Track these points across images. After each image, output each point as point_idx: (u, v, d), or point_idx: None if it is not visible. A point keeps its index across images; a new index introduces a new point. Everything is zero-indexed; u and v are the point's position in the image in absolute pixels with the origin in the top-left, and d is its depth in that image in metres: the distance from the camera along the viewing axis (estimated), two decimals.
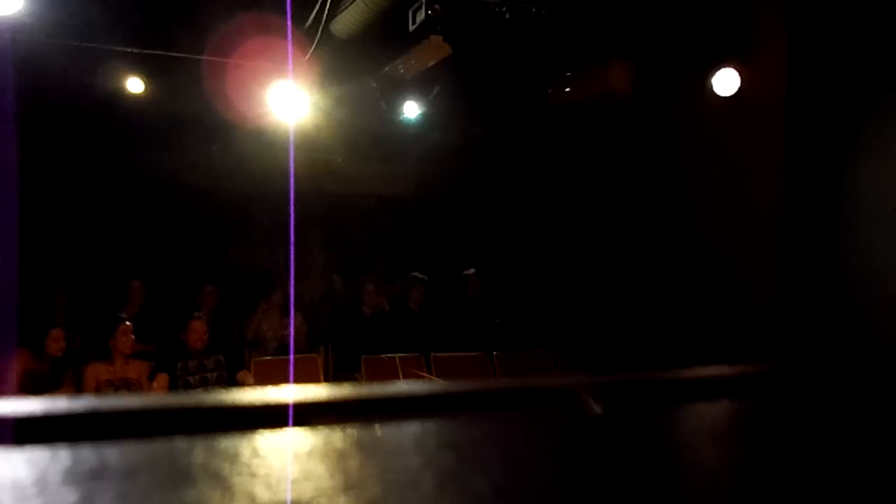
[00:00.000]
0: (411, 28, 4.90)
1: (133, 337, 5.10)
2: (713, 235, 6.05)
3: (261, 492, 0.51)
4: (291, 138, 5.80)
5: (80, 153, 7.11)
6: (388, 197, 9.02)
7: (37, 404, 0.58)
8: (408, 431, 0.66)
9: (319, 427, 0.63)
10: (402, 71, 6.03)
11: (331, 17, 5.05)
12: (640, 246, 6.75)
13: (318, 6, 4.94)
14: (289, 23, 4.32)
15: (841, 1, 5.17)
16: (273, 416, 0.62)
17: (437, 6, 4.66)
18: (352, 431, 0.63)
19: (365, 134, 7.45)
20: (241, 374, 5.43)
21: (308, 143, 6.48)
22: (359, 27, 5.26)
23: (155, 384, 5.07)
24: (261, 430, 0.61)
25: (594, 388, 0.78)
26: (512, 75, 6.71)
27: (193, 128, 6.98)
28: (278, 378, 5.55)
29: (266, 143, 6.48)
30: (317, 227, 7.83)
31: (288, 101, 5.55)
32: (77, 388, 4.98)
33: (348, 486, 0.54)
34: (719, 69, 5.65)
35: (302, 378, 5.75)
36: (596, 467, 0.63)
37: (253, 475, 0.53)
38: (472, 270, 6.98)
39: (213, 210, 7.75)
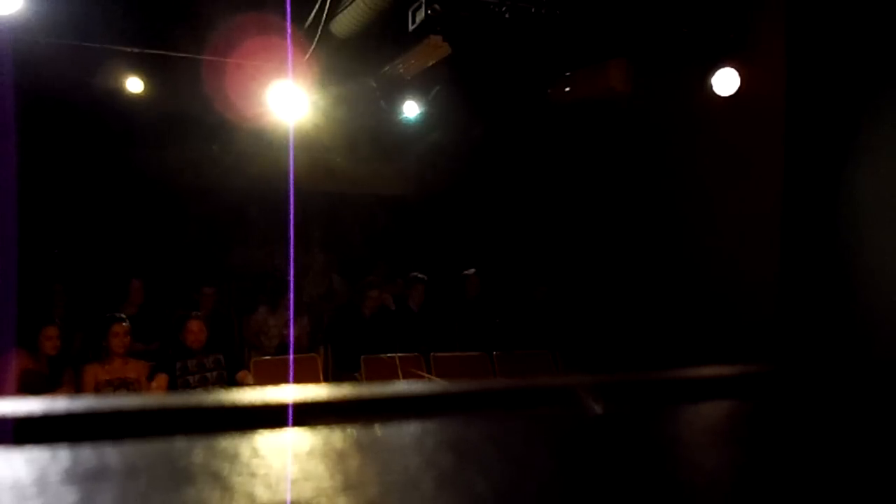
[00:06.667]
0: (411, 28, 4.90)
1: (129, 337, 5.09)
2: (713, 235, 6.04)
3: (261, 492, 0.51)
4: (291, 138, 5.80)
5: (80, 153, 7.11)
6: (387, 196, 9.01)
7: (36, 404, 0.58)
8: (407, 431, 0.66)
9: (319, 427, 0.63)
10: (401, 71, 6.03)
11: (330, 16, 5.05)
12: (640, 245, 6.75)
13: (317, 6, 4.94)
14: (288, 22, 4.32)
15: (840, 1, 5.17)
16: (273, 416, 0.62)
17: (436, 6, 4.65)
18: (352, 431, 0.63)
19: (364, 133, 7.45)
20: (240, 374, 5.42)
21: (308, 143, 6.48)
22: (358, 27, 5.26)
23: (154, 384, 5.06)
24: (261, 430, 0.61)
25: (594, 388, 0.78)
26: (511, 75, 6.71)
27: (193, 128, 6.98)
28: (278, 378, 5.54)
29: (266, 143, 6.48)
30: (316, 227, 7.83)
31: (287, 100, 5.55)
32: (76, 388, 4.97)
33: (348, 486, 0.54)
34: (719, 69, 5.65)
35: (302, 378, 5.74)
36: (596, 467, 0.63)
37: (253, 475, 0.53)
38: (472, 270, 6.98)
39: (213, 210, 7.74)
